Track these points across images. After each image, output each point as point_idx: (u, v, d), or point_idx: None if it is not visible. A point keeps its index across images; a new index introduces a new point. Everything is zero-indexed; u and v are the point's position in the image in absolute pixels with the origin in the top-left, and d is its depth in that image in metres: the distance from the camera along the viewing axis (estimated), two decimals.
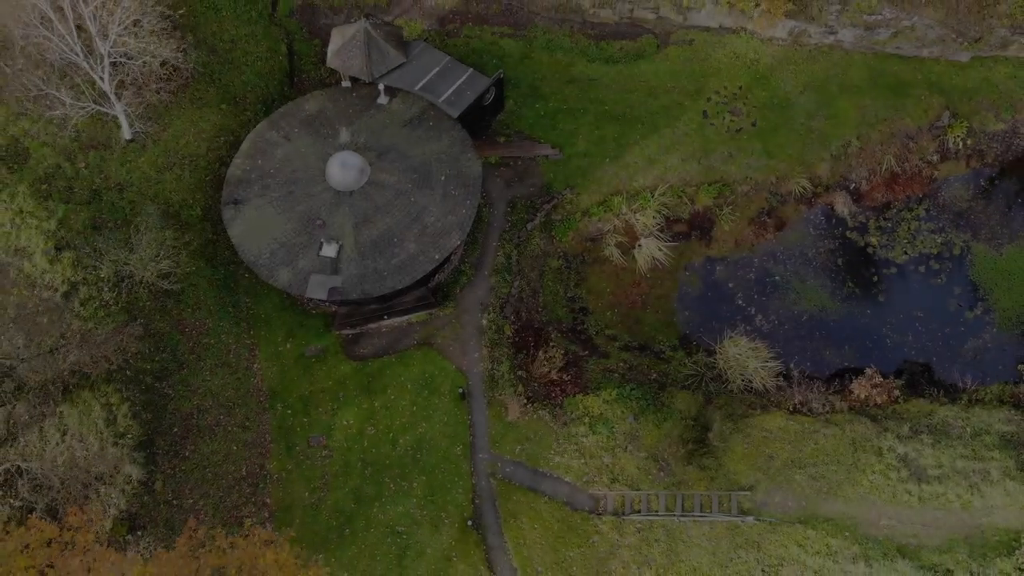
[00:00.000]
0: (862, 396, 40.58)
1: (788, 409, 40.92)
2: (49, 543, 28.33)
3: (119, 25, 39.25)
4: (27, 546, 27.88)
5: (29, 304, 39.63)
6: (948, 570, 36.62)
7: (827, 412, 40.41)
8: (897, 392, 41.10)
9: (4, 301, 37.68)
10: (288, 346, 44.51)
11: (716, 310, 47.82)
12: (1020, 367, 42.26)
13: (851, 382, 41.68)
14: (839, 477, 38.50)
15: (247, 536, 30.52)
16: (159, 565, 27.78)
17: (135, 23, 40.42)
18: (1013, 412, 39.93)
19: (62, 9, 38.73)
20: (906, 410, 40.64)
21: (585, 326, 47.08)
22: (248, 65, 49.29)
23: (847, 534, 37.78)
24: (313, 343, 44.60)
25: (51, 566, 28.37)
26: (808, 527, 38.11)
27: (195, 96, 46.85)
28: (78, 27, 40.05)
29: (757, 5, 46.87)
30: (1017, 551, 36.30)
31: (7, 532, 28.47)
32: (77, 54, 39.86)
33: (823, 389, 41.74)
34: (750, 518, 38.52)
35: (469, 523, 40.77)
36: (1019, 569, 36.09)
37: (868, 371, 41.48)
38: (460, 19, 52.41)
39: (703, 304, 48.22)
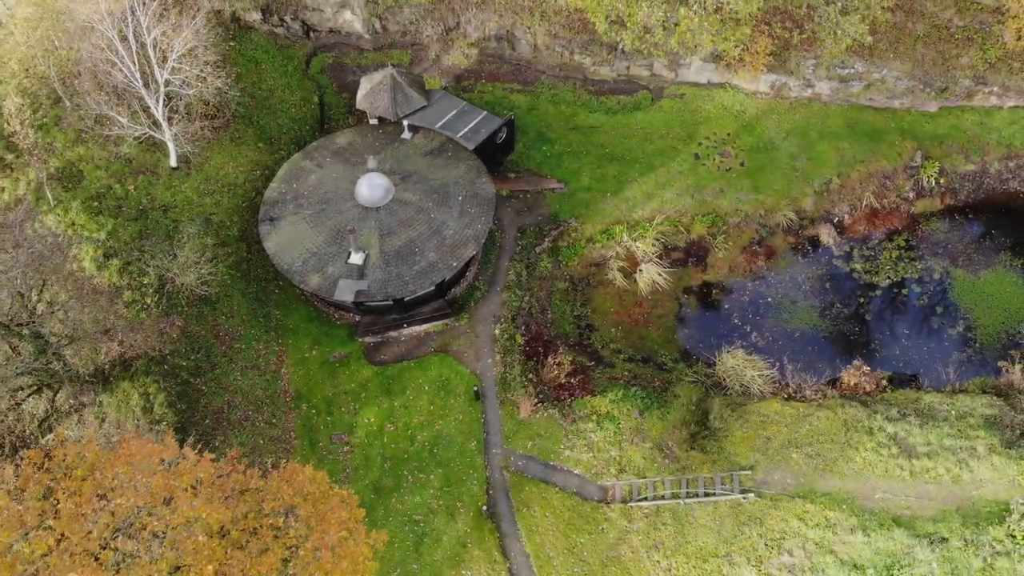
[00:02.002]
0: (851, 383, 43.17)
1: (783, 397, 43.40)
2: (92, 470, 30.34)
3: (177, 52, 44.33)
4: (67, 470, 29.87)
5: (76, 304, 42.94)
6: (943, 538, 38.24)
7: (819, 399, 42.88)
8: (885, 382, 43.71)
9: (59, 285, 40.98)
10: (314, 352, 47.48)
11: (714, 328, 50.99)
12: (1000, 363, 44.99)
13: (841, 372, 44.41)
14: (834, 455, 40.66)
15: (282, 471, 32.69)
16: (207, 466, 29.86)
17: (191, 51, 45.58)
18: (995, 399, 42.42)
19: (126, 38, 43.91)
20: (894, 397, 43.14)
21: (591, 341, 50.06)
22: (283, 111, 54.52)
23: (844, 507, 39.59)
24: (337, 350, 47.57)
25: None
26: (807, 502, 39.93)
27: (235, 135, 51.77)
28: (139, 56, 45.19)
29: (741, 55, 52.18)
30: (1008, 519, 38.10)
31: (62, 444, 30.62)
32: (136, 80, 44.79)
33: (814, 380, 44.38)
34: (751, 495, 40.42)
35: (484, 510, 42.57)
36: (1011, 536, 37.73)
37: (856, 362, 44.20)
38: (474, 76, 58.12)
39: (701, 323, 51.44)
